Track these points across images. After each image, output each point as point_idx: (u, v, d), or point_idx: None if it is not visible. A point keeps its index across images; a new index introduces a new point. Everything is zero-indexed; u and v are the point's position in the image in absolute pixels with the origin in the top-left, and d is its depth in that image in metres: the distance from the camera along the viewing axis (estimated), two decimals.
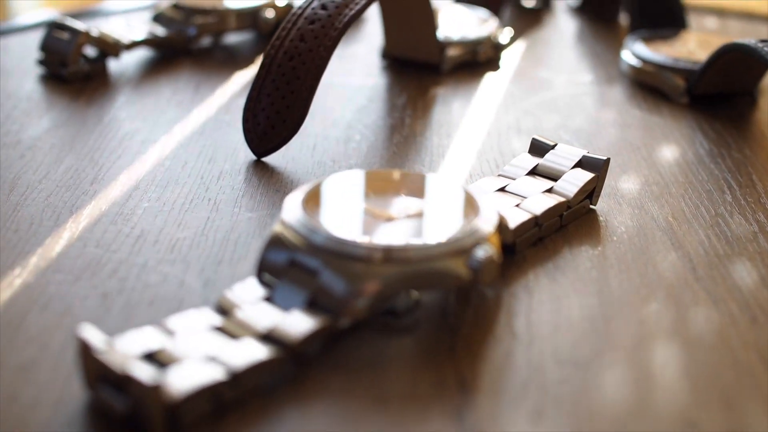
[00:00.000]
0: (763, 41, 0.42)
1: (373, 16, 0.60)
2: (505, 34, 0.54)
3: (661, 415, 0.25)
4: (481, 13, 0.56)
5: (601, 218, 0.35)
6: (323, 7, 0.39)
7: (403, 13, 0.49)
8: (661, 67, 0.49)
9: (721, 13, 0.68)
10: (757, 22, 0.67)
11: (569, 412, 0.25)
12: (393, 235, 0.28)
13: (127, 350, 0.24)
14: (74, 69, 0.47)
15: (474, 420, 0.24)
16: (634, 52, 0.51)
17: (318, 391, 0.25)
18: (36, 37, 0.52)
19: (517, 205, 0.33)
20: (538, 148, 0.36)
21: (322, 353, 0.26)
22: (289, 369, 0.25)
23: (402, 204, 0.30)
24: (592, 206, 0.35)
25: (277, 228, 0.28)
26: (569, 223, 0.34)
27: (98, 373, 0.23)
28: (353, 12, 0.39)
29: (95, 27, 0.49)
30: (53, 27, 0.48)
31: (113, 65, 0.50)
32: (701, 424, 0.24)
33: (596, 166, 0.35)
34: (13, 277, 0.30)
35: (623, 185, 0.38)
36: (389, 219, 0.29)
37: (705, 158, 0.41)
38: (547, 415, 0.24)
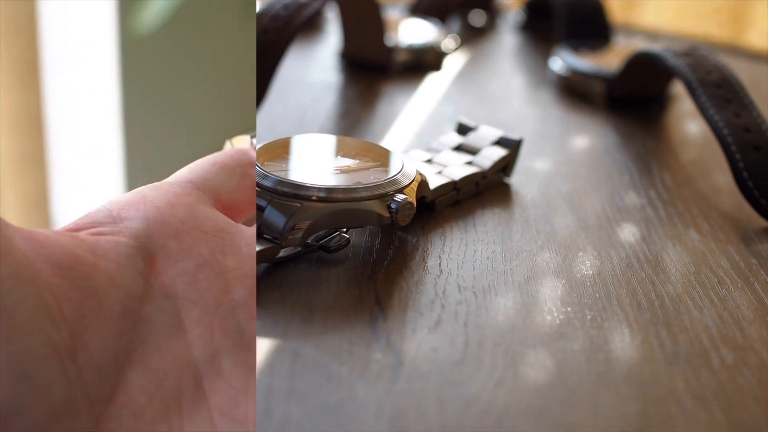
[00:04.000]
0: (668, 49, 0.47)
1: (335, 24, 0.66)
2: (449, 43, 0.60)
3: (537, 329, 0.30)
4: (432, 23, 0.62)
5: (513, 189, 0.41)
6: (285, 7, 0.46)
7: (358, 21, 0.55)
8: (583, 74, 0.54)
9: (653, 35, 0.75)
10: (686, 42, 0.73)
11: (463, 324, 0.30)
12: (329, 182, 0.34)
13: None
14: None
15: (385, 327, 0.29)
16: (562, 60, 0.57)
17: (257, 302, 0.30)
18: None
19: (439, 172, 0.39)
20: (463, 129, 0.42)
21: (264, 274, 0.32)
22: None
23: (341, 161, 0.36)
24: (506, 179, 0.41)
25: None
26: (485, 192, 0.40)
27: None
28: (308, 12, 0.46)
29: None
30: None
31: None
32: (569, 336, 0.30)
33: (510, 145, 0.41)
34: None
35: (536, 165, 0.44)
36: (329, 171, 0.35)
37: (611, 148, 0.47)
38: (443, 325, 0.30)
